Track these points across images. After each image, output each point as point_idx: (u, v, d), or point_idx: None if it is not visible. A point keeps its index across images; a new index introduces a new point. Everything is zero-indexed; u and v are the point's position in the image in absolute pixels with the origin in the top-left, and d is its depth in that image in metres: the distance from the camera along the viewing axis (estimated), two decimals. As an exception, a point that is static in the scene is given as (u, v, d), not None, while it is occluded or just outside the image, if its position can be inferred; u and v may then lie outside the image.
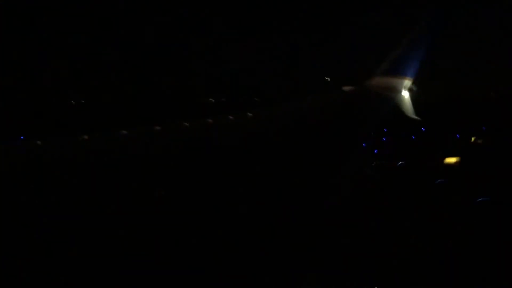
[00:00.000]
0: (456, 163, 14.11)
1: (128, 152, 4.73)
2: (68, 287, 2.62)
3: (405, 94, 11.65)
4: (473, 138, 17.89)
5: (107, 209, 3.37)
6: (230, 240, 3.28)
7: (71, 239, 2.95)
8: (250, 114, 6.64)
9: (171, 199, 3.68)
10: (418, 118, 11.26)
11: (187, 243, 3.14)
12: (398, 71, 11.64)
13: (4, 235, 2.87)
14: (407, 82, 11.69)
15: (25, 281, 2.57)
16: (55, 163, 4.13)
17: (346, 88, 11.59)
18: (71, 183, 3.68)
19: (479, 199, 9.16)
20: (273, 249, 3.27)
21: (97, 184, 3.76)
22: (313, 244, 3.47)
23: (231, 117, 6.38)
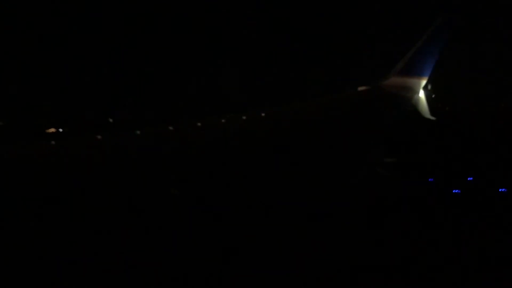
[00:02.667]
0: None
1: (141, 152, 4.77)
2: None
3: (421, 94, 11.54)
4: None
5: (121, 208, 3.40)
6: (242, 239, 3.27)
7: (82, 236, 2.98)
8: (263, 114, 6.64)
9: (185, 198, 3.69)
10: (434, 118, 11.14)
11: (200, 242, 3.14)
12: (414, 71, 11.54)
13: (22, 232, 2.90)
14: (423, 82, 11.58)
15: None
16: (69, 163, 4.17)
17: (362, 88, 11.52)
18: (83, 182, 3.72)
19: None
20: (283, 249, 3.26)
21: (110, 184, 3.78)
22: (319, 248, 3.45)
23: (244, 117, 6.38)
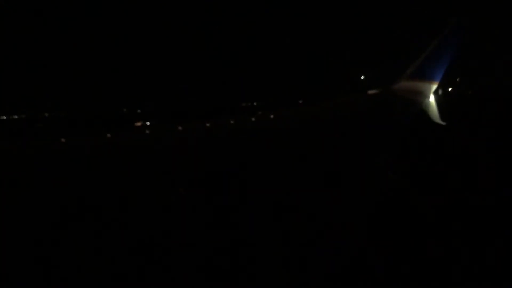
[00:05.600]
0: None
1: (149, 151, 4.77)
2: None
3: (432, 98, 11.49)
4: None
5: (127, 207, 3.39)
6: (249, 239, 3.26)
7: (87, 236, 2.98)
8: (272, 116, 6.62)
9: (191, 198, 3.68)
10: (444, 123, 11.09)
11: (206, 244, 3.13)
12: (425, 75, 11.50)
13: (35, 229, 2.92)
14: (434, 87, 11.53)
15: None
16: (76, 161, 4.19)
17: (372, 92, 11.50)
18: (89, 180, 3.73)
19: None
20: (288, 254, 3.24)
21: (117, 182, 3.79)
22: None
23: (253, 119, 6.37)
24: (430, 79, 11.50)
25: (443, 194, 10.06)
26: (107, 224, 3.11)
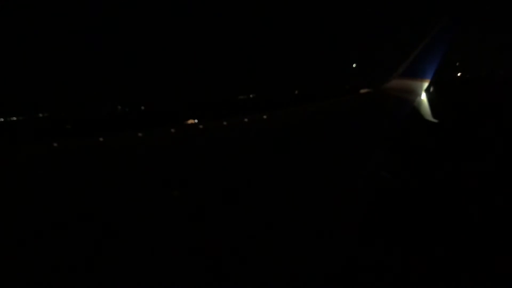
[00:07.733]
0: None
1: (143, 153, 4.76)
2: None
3: (423, 96, 11.57)
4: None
5: (121, 209, 3.38)
6: (243, 242, 3.26)
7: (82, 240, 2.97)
8: (265, 117, 6.62)
9: (186, 200, 3.68)
10: (436, 121, 11.16)
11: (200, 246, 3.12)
12: (417, 74, 11.57)
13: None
14: (426, 85, 11.61)
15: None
16: (72, 165, 4.18)
17: (364, 91, 11.56)
18: (85, 185, 3.71)
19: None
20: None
21: (111, 185, 3.78)
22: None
23: (246, 119, 6.37)
24: (422, 77, 11.58)
25: (437, 192, 10.12)
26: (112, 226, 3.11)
